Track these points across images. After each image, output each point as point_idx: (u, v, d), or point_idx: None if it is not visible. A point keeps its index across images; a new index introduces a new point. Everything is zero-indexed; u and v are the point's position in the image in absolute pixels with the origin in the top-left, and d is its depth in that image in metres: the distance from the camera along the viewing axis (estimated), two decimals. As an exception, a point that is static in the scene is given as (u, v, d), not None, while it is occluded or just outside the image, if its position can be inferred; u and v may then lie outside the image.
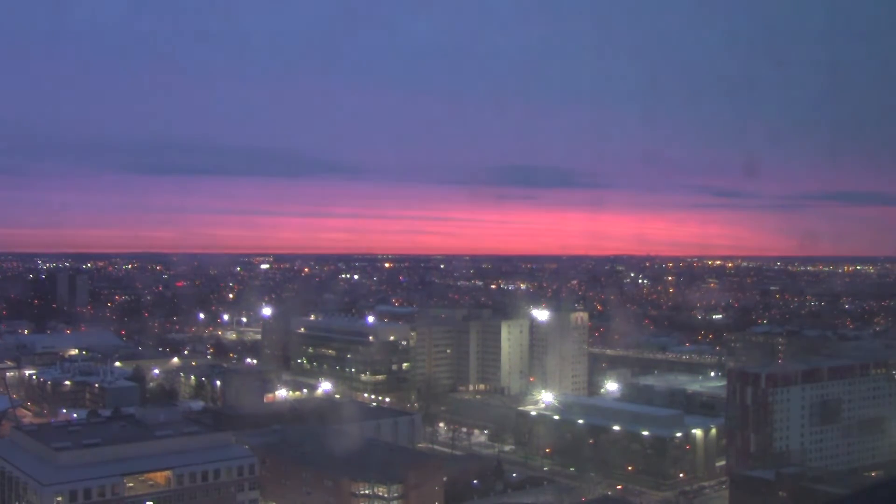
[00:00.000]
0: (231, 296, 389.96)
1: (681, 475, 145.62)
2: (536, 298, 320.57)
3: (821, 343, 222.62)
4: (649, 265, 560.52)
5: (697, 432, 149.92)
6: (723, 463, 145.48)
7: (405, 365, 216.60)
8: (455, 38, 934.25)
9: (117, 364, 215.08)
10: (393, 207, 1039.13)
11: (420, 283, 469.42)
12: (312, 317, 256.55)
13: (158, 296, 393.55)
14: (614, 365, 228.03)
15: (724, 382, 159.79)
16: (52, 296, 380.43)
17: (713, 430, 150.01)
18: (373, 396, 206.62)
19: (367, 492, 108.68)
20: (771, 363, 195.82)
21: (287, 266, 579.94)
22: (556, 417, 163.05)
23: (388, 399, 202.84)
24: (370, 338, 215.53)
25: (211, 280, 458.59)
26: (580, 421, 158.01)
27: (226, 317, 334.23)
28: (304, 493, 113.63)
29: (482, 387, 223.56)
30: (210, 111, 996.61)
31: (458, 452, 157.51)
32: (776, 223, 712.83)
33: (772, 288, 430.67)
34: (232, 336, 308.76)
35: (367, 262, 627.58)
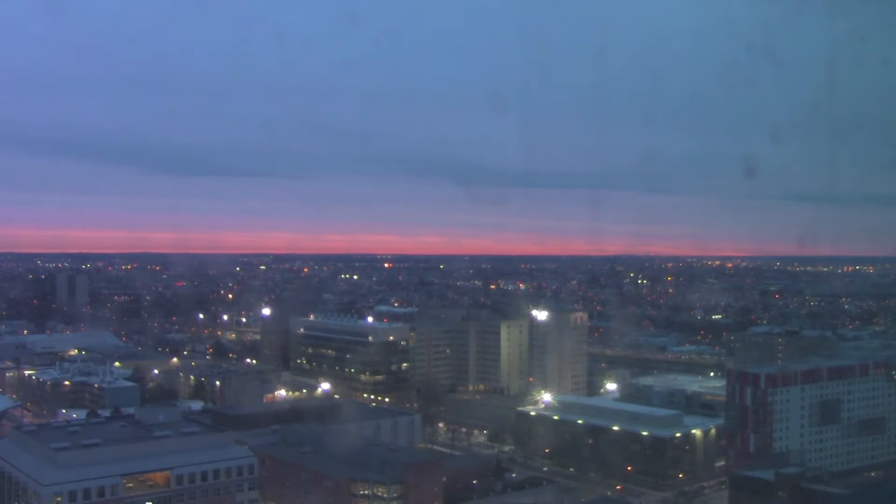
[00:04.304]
0: (230, 296, 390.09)
1: (680, 475, 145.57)
2: (536, 299, 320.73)
3: (820, 343, 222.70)
4: (649, 265, 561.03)
5: (697, 432, 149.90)
6: (722, 463, 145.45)
7: (404, 365, 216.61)
8: (455, 40, 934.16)
9: (117, 364, 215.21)
10: (394, 208, 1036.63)
11: (419, 283, 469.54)
12: (312, 317, 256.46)
13: (158, 296, 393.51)
14: (614, 365, 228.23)
15: (723, 382, 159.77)
16: (51, 296, 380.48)
17: (712, 431, 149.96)
18: (372, 396, 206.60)
19: (366, 492, 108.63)
20: (771, 363, 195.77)
21: (287, 266, 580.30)
22: (556, 417, 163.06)
23: (387, 399, 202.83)
24: (369, 338, 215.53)
25: (210, 280, 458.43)
26: (579, 421, 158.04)
27: (225, 317, 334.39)
28: (304, 493, 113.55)
29: (481, 387, 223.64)
30: (210, 111, 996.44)
31: (457, 452, 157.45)
32: (776, 223, 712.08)
33: (771, 288, 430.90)
34: (231, 336, 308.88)
35: (367, 263, 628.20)
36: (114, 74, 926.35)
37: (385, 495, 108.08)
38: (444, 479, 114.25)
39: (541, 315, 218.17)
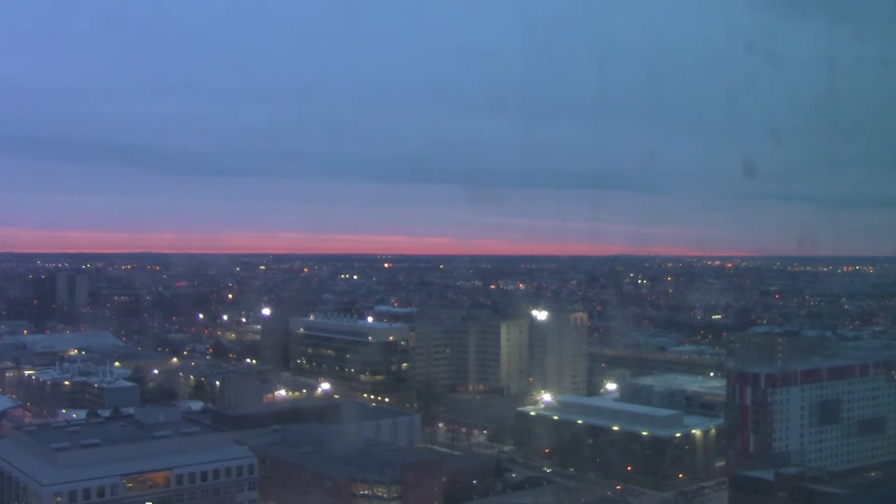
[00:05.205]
0: (230, 296, 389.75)
1: (680, 475, 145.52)
2: (536, 299, 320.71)
3: (820, 343, 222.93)
4: (649, 265, 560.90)
5: (697, 432, 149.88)
6: (722, 463, 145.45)
7: (404, 365, 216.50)
8: (456, 40, 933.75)
9: (116, 364, 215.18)
10: (394, 208, 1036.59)
11: (419, 283, 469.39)
12: (312, 317, 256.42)
13: (158, 296, 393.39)
14: (614, 365, 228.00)
15: (723, 382, 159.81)
16: (51, 296, 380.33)
17: (712, 431, 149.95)
18: (372, 397, 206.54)
19: (366, 492, 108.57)
20: (771, 363, 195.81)
21: (287, 266, 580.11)
22: (556, 417, 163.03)
23: (387, 399, 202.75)
24: (369, 338, 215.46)
25: (210, 280, 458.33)
26: (579, 421, 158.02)
27: (225, 317, 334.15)
28: (304, 493, 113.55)
29: (481, 387, 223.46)
30: (211, 112, 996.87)
31: (457, 452, 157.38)
32: (776, 223, 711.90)
33: (772, 288, 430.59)
34: (231, 336, 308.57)
35: (367, 263, 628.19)
36: (114, 75, 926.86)
37: (385, 495, 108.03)
38: (443, 479, 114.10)
39: (541, 315, 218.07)
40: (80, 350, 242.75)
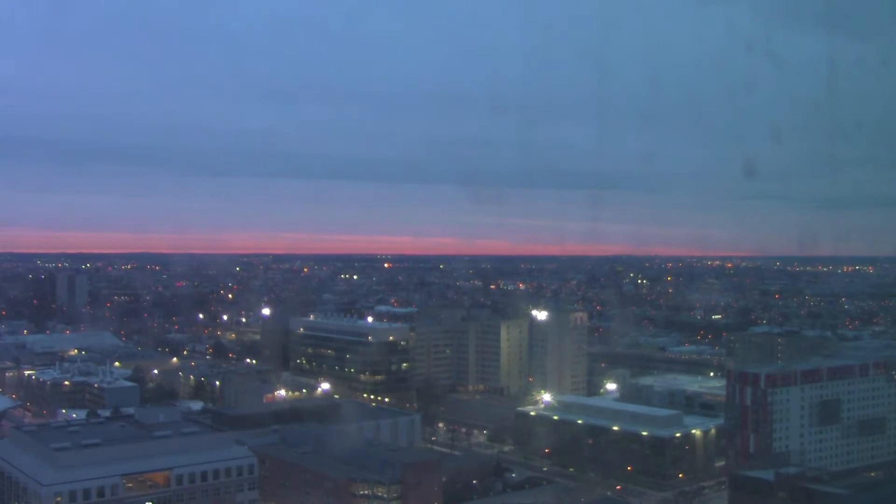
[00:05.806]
0: (230, 296, 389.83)
1: (680, 475, 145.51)
2: (536, 299, 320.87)
3: (820, 343, 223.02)
4: (649, 265, 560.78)
5: (697, 432, 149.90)
6: (722, 463, 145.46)
7: (404, 365, 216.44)
8: (457, 40, 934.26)
9: (117, 364, 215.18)
10: (394, 208, 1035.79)
11: (419, 283, 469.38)
12: (312, 317, 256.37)
13: (158, 296, 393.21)
14: (614, 365, 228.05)
15: (723, 382, 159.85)
16: (51, 296, 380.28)
17: (712, 431, 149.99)
18: (372, 396, 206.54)
19: (366, 492, 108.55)
20: (771, 363, 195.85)
21: (287, 266, 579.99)
22: (556, 417, 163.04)
23: (387, 399, 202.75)
24: (369, 338, 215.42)
25: (210, 280, 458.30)
26: (579, 421, 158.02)
27: (225, 317, 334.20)
28: (304, 493, 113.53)
29: (481, 387, 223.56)
30: (211, 112, 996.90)
31: (457, 452, 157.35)
32: (776, 223, 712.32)
33: (772, 288, 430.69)
34: (231, 336, 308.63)
35: (367, 263, 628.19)
36: (114, 76, 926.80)
37: (385, 495, 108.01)
38: (443, 479, 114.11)
39: (541, 315, 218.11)
40: (80, 350, 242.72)
